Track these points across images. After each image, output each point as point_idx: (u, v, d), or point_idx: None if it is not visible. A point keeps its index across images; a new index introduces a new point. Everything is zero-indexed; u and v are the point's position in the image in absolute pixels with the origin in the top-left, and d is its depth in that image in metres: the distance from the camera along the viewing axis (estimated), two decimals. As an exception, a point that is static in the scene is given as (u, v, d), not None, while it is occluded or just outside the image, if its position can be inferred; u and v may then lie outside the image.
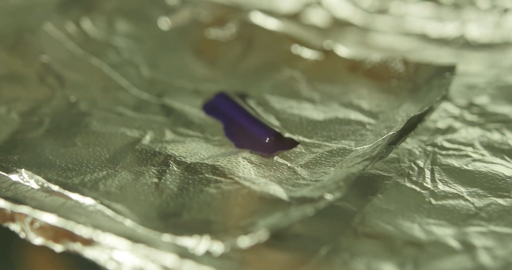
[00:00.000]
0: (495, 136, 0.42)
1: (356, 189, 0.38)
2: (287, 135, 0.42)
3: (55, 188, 0.37)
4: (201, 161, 0.40)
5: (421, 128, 0.42)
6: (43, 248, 0.37)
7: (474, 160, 0.40)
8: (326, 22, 0.57)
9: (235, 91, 0.46)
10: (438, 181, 0.39)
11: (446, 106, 0.45)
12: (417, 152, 0.41)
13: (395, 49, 0.53)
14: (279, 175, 0.39)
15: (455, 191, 0.38)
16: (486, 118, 0.44)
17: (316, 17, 0.58)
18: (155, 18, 0.53)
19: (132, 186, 0.38)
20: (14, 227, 0.36)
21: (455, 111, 0.44)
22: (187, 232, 0.34)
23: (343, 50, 0.49)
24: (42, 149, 0.41)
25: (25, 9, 0.53)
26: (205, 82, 0.48)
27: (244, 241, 0.33)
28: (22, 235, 0.36)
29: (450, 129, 0.43)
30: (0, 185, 0.38)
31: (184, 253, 0.34)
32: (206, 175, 0.39)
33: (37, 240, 0.36)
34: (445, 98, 0.43)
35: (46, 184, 0.37)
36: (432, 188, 0.38)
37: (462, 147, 0.41)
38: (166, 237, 0.34)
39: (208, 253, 0.33)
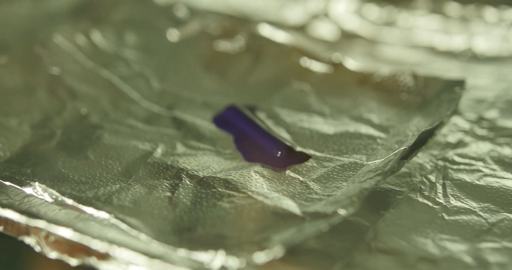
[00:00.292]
0: (506, 151, 0.42)
1: (369, 204, 0.38)
2: (298, 149, 0.42)
3: (69, 201, 0.37)
4: (214, 175, 0.40)
5: (432, 142, 0.42)
6: (54, 261, 0.37)
7: (486, 175, 0.40)
8: (333, 34, 0.57)
9: (245, 104, 0.47)
10: (450, 196, 0.39)
11: (456, 120, 0.45)
12: (429, 167, 0.41)
13: (402, 62, 0.53)
14: (291, 190, 0.39)
15: (467, 207, 0.38)
16: (496, 133, 0.44)
17: (324, 29, 0.58)
18: (164, 30, 0.53)
19: (145, 200, 0.38)
20: (29, 240, 0.36)
21: (465, 125, 0.45)
22: (202, 247, 0.34)
23: (351, 63, 0.49)
24: (54, 161, 0.41)
25: (35, 21, 0.53)
26: (214, 94, 0.48)
27: (260, 257, 0.33)
28: (37, 249, 0.36)
29: (460, 144, 0.43)
30: (13, 198, 0.38)
31: (200, 268, 0.34)
32: (219, 189, 0.39)
33: (52, 254, 0.36)
34: (455, 112, 0.43)
35: (60, 197, 0.37)
36: (444, 203, 0.38)
37: (473, 162, 0.41)
38: (181, 252, 0.34)
39: (223, 268, 0.33)
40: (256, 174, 0.40)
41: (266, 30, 0.52)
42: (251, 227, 0.36)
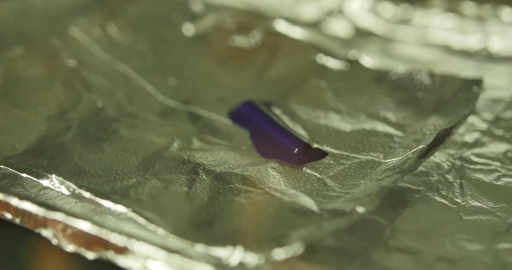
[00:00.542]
0: (523, 152, 0.42)
1: (386, 202, 0.38)
2: (315, 145, 0.42)
3: (87, 194, 0.37)
4: (231, 171, 0.40)
5: (449, 141, 0.42)
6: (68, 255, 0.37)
7: (503, 175, 0.40)
8: (348, 32, 0.57)
9: (261, 99, 0.46)
10: (467, 195, 0.39)
11: (473, 119, 0.45)
12: (446, 166, 0.41)
13: (417, 60, 0.53)
14: (309, 187, 0.39)
15: (485, 207, 0.38)
16: (513, 133, 0.44)
17: (338, 26, 0.58)
18: (180, 24, 0.53)
19: (162, 194, 0.38)
20: (46, 233, 0.36)
21: (482, 125, 0.44)
22: (220, 242, 0.34)
23: (367, 61, 0.49)
24: (71, 154, 0.41)
25: (51, 14, 0.53)
26: (230, 89, 0.48)
27: (279, 254, 0.33)
28: (55, 242, 0.36)
29: (477, 143, 0.43)
30: (30, 190, 0.38)
31: (218, 264, 0.34)
32: (236, 185, 0.39)
33: (70, 247, 0.36)
34: (472, 111, 0.43)
35: (77, 190, 0.37)
36: (462, 203, 0.38)
37: (490, 162, 0.41)
38: (199, 247, 0.34)
39: (241, 264, 0.33)
40: (273, 170, 0.40)
41: (282, 26, 0.52)
42: (269, 223, 0.36)
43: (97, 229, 0.35)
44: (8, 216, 0.37)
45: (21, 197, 0.37)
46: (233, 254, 0.33)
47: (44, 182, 0.38)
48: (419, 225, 0.37)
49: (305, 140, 0.42)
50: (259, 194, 0.38)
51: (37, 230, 0.37)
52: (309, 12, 0.59)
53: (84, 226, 0.35)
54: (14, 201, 0.37)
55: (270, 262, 0.34)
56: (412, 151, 0.39)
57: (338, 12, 0.59)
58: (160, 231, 0.35)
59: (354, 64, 0.49)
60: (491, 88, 0.48)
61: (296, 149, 0.41)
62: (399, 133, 0.43)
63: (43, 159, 0.40)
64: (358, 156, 0.41)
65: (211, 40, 0.52)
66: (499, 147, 0.42)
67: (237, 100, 0.46)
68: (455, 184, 0.40)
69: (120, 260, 0.35)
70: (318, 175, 0.40)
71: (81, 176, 0.39)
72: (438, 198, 0.39)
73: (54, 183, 0.38)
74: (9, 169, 0.39)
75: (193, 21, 0.54)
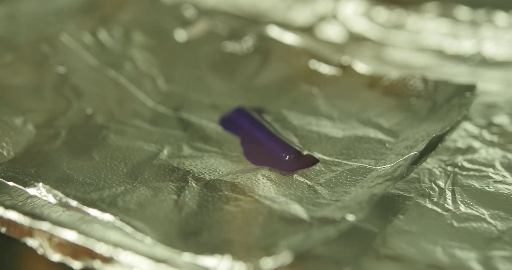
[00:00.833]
0: (516, 157, 0.42)
1: (377, 210, 0.37)
2: (306, 152, 0.42)
3: (74, 203, 0.37)
4: (220, 178, 0.39)
5: (441, 147, 0.41)
6: (56, 265, 0.36)
7: (496, 181, 0.40)
8: (341, 37, 0.57)
9: (253, 106, 0.46)
10: (459, 202, 0.38)
11: (466, 125, 0.44)
12: (438, 172, 0.41)
13: (411, 65, 0.53)
14: (299, 194, 0.38)
15: (477, 213, 0.37)
16: (506, 139, 0.43)
17: (332, 31, 0.57)
18: (172, 30, 0.53)
19: (151, 202, 0.37)
20: (32, 242, 0.36)
21: (475, 130, 0.44)
22: (208, 251, 0.34)
23: (360, 66, 0.49)
24: (59, 162, 0.40)
25: (41, 20, 0.52)
26: (222, 96, 0.48)
27: (268, 263, 0.32)
28: (40, 251, 0.36)
29: (470, 149, 0.42)
30: (17, 199, 0.38)
31: (205, 273, 0.33)
32: (226, 193, 0.38)
33: (55, 257, 0.35)
34: (465, 117, 0.43)
35: (65, 199, 0.37)
36: (453, 210, 0.38)
37: (483, 168, 0.41)
38: (187, 256, 0.34)
39: (229, 274, 0.33)
40: (264, 177, 0.39)
41: (274, 32, 0.52)
42: (258, 232, 0.35)
43: (83, 239, 0.35)
44: (-6, 225, 0.37)
45: (7, 206, 0.37)
46: (221, 263, 0.33)
47: (31, 191, 0.38)
48: (410, 233, 0.36)
49: (296, 147, 0.41)
50: (249, 202, 0.37)
51: (23, 240, 0.36)
52: (302, 17, 0.59)
53: (70, 235, 0.35)
54: (0, 210, 0.37)
55: (258, 271, 0.33)
56: (404, 157, 0.39)
57: (331, 17, 0.59)
58: (148, 240, 0.34)
59: (346, 69, 0.49)
60: (485, 93, 0.48)
61: (287, 156, 0.41)
62: (391, 139, 0.43)
63: (30, 167, 0.40)
64: (350, 163, 0.41)
65: (203, 46, 0.52)
66: (491, 153, 0.42)
67: (228, 107, 0.46)
68: (447, 190, 0.39)
69: (107, 270, 0.34)
70: (308, 182, 0.39)
71: (68, 185, 0.38)
72: (429, 205, 0.38)
73: (41, 192, 0.38)
74: (-4, 177, 0.39)
75: (185, 27, 0.53)
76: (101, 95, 0.46)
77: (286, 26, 0.57)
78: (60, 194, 0.37)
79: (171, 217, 0.36)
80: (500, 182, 0.40)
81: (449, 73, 0.51)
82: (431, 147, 0.40)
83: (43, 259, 0.36)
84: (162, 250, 0.34)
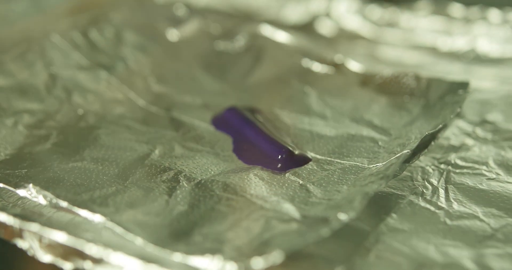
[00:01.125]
0: (509, 155, 0.41)
1: (369, 208, 0.37)
2: (298, 151, 0.41)
3: (64, 204, 0.36)
4: (212, 178, 0.39)
5: (434, 145, 0.41)
6: (48, 266, 0.36)
7: (489, 179, 0.40)
8: (335, 35, 0.57)
9: (245, 105, 0.46)
10: (452, 200, 0.38)
11: (459, 123, 0.44)
12: (431, 170, 0.40)
13: (404, 63, 0.53)
14: (291, 193, 0.38)
15: (470, 211, 0.37)
16: (500, 136, 0.43)
17: (325, 29, 0.57)
18: (164, 30, 0.53)
19: (142, 203, 0.37)
20: (22, 244, 0.36)
21: (468, 128, 0.44)
22: (199, 252, 0.33)
23: (353, 64, 0.48)
24: (50, 163, 0.40)
25: (32, 20, 0.52)
26: (214, 95, 0.47)
27: (259, 263, 0.32)
28: (31, 253, 0.35)
29: (463, 147, 0.42)
30: (7, 200, 0.38)
31: (196, 274, 0.33)
32: (217, 192, 0.38)
33: (46, 258, 0.35)
34: (458, 115, 0.43)
35: (55, 200, 0.37)
36: (446, 208, 0.38)
37: (476, 166, 0.41)
38: (178, 256, 0.33)
39: (220, 274, 0.33)
40: (256, 177, 0.39)
41: (267, 30, 0.51)
42: (249, 232, 0.35)
43: (74, 240, 0.35)
44: (-16, 227, 0.37)
45: (-3, 208, 0.37)
46: (212, 263, 0.33)
47: (21, 192, 0.38)
48: (403, 231, 0.36)
49: (289, 146, 0.41)
50: (240, 201, 0.37)
51: (13, 241, 0.36)
52: (295, 15, 0.58)
53: (60, 236, 0.35)
54: (-10, 212, 0.36)
55: (250, 271, 0.33)
56: (397, 156, 0.39)
57: (325, 15, 0.59)
58: (138, 240, 0.34)
59: (339, 68, 0.49)
60: (478, 90, 0.48)
61: (280, 156, 0.41)
62: (383, 137, 0.42)
63: (21, 168, 0.39)
64: (342, 161, 0.41)
65: (195, 45, 0.52)
66: (485, 151, 0.42)
67: (220, 106, 0.46)
68: (440, 188, 0.39)
69: (97, 271, 0.34)
70: (300, 181, 0.39)
71: (59, 185, 0.38)
72: (422, 203, 0.38)
73: (31, 193, 0.37)
74: (-14, 179, 0.38)
75: (176, 26, 0.53)
76: (92, 95, 0.46)
77: (278, 24, 0.57)
78: (50, 195, 0.37)
79: (162, 217, 0.36)
80: (494, 179, 0.40)
81: (443, 71, 0.51)
82: (424, 145, 0.39)
83: (34, 260, 0.36)
84: (153, 251, 0.34)
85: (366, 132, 0.43)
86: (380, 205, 0.38)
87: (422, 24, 0.56)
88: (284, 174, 0.40)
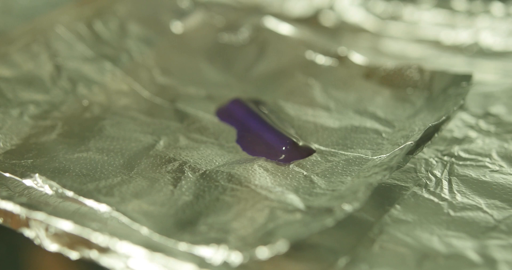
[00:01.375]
0: (512, 147, 0.42)
1: (373, 199, 0.37)
2: (302, 142, 0.42)
3: (70, 194, 0.37)
4: (217, 168, 0.39)
5: (438, 137, 0.41)
6: (55, 255, 0.36)
7: (492, 171, 0.40)
8: (338, 27, 0.57)
9: (249, 97, 0.46)
10: (456, 192, 0.38)
11: (462, 115, 0.44)
12: (434, 162, 0.41)
13: (408, 56, 0.53)
14: (295, 184, 0.38)
15: (473, 203, 0.37)
16: (503, 128, 0.43)
17: (329, 22, 0.57)
18: (168, 22, 0.53)
19: (147, 193, 0.37)
20: (29, 233, 0.36)
21: (471, 120, 0.44)
22: (204, 241, 0.34)
23: (357, 57, 0.48)
24: (55, 153, 0.40)
25: (37, 11, 0.52)
26: (218, 87, 0.48)
27: (263, 252, 0.32)
28: (37, 242, 0.36)
29: (466, 139, 0.42)
30: (14, 190, 0.38)
31: (202, 263, 0.33)
32: (222, 183, 0.38)
33: (52, 247, 0.35)
34: (461, 107, 0.43)
35: (61, 189, 0.37)
36: (450, 199, 0.38)
37: (479, 158, 0.41)
38: (183, 246, 0.34)
39: (225, 263, 0.33)
40: (260, 168, 0.39)
41: (271, 23, 0.52)
42: (254, 222, 0.35)
43: (80, 229, 0.35)
44: (-9, 216, 0.37)
45: (4, 197, 0.37)
46: (217, 253, 0.33)
47: (28, 182, 0.38)
48: (407, 222, 0.36)
49: (293, 138, 0.41)
50: (245, 192, 0.37)
51: (20, 230, 0.36)
52: (299, 8, 0.59)
53: (66, 226, 0.35)
54: (-3, 202, 0.37)
55: (254, 261, 0.33)
56: (400, 147, 0.39)
57: (328, 8, 0.59)
58: (144, 230, 0.34)
59: (343, 60, 0.49)
60: (481, 83, 0.48)
61: (284, 147, 0.41)
62: (387, 129, 0.42)
63: (27, 159, 0.40)
64: (346, 153, 0.41)
65: (199, 37, 0.52)
66: (488, 143, 0.42)
67: (224, 98, 0.46)
68: (443, 180, 0.39)
69: (103, 260, 0.34)
70: (305, 172, 0.39)
71: (65, 175, 0.38)
72: (426, 195, 0.38)
73: (37, 183, 0.38)
74: (-7, 169, 0.39)
75: (181, 18, 0.53)
76: (97, 86, 0.46)
77: (282, 17, 0.57)
78: (56, 185, 0.37)
79: (167, 207, 0.36)
80: (497, 171, 0.40)
81: (446, 64, 0.51)
82: (427, 137, 0.40)
83: (40, 249, 0.36)
84: (158, 240, 0.34)
85: (370, 123, 0.43)
86: (384, 196, 0.38)
87: (425, 17, 0.56)
88: (288, 165, 0.40)
